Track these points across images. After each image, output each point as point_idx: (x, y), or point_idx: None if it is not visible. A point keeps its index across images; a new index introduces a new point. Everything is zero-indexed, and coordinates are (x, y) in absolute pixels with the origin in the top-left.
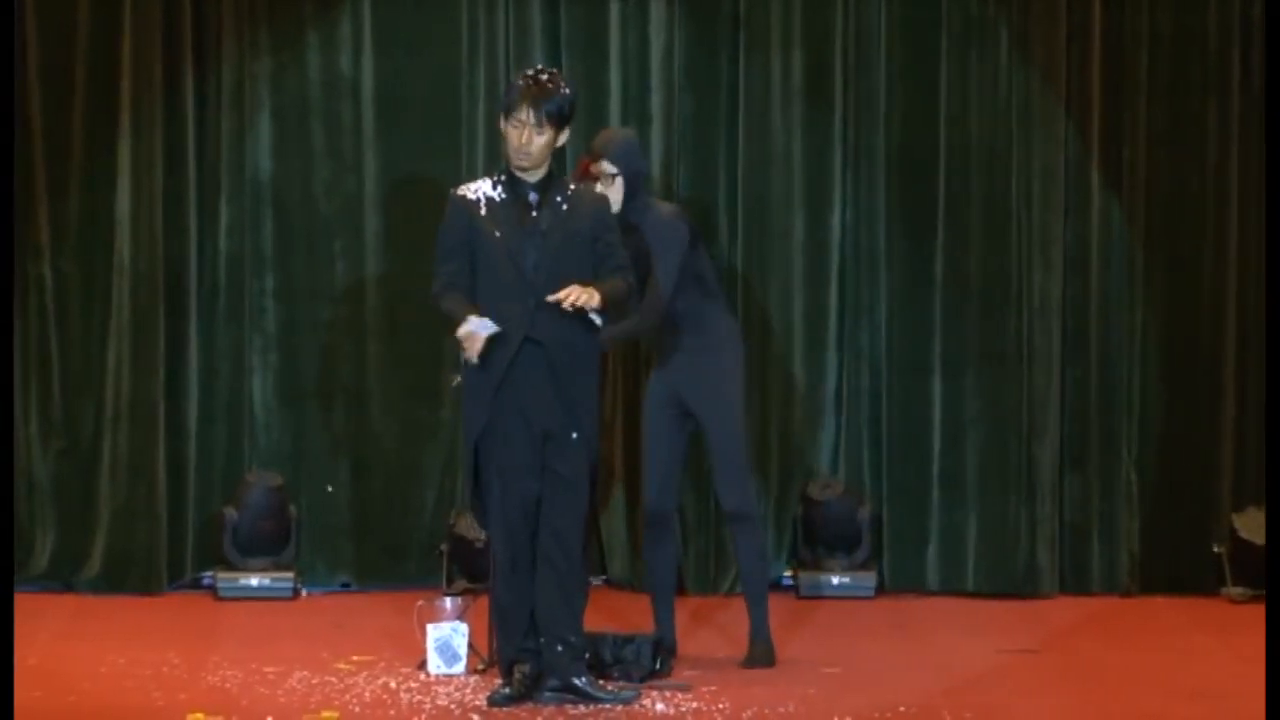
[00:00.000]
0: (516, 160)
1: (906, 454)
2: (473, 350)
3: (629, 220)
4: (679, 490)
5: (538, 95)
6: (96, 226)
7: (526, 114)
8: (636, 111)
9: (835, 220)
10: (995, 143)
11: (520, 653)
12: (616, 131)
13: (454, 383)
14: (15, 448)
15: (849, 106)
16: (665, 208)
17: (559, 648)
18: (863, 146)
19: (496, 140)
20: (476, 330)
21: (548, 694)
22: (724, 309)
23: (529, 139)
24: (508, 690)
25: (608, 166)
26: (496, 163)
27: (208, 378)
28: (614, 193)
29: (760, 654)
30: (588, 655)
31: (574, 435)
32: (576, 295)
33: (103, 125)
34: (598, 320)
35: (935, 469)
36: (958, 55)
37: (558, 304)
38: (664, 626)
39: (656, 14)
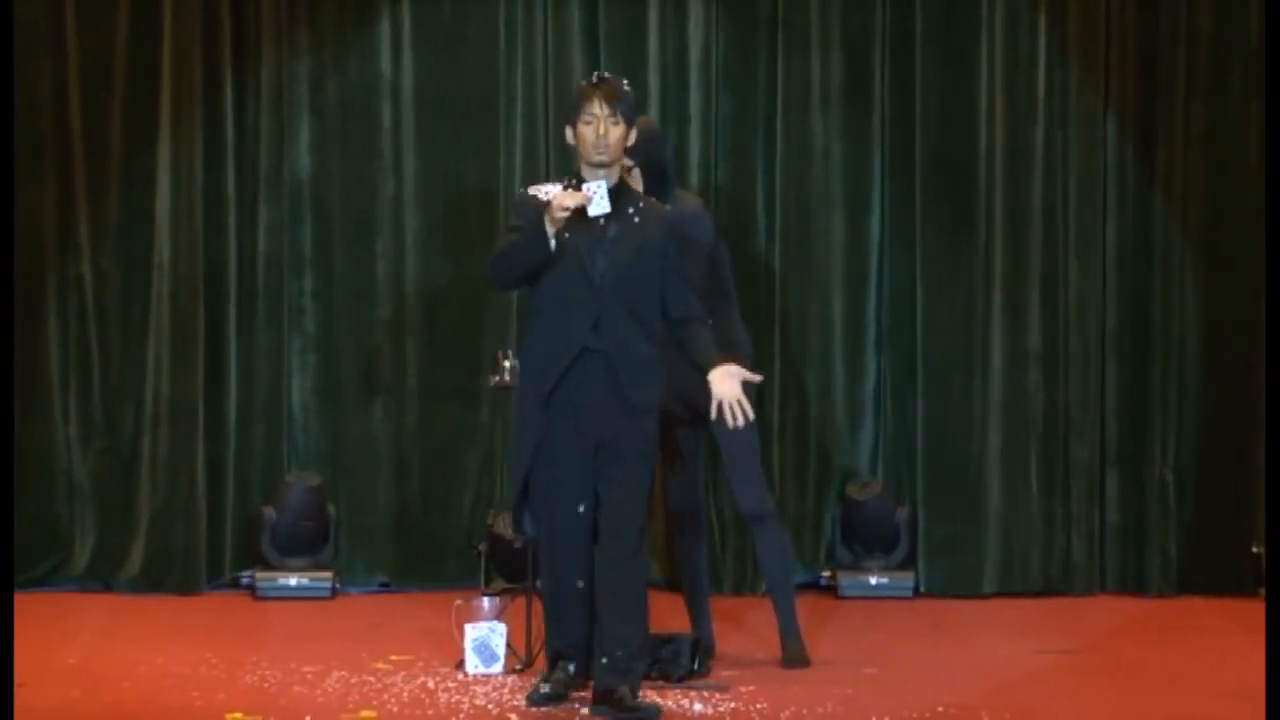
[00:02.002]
0: (596, 155)
1: (945, 454)
2: (568, 200)
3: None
4: (703, 489)
5: (606, 91)
6: (136, 227)
7: (599, 107)
8: (675, 112)
9: (874, 221)
10: (1034, 143)
11: (566, 646)
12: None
13: (492, 383)
14: (54, 448)
15: (888, 107)
16: (691, 200)
17: (604, 660)
18: (901, 147)
19: (535, 140)
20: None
21: (589, 708)
22: (736, 309)
23: (605, 130)
24: (546, 689)
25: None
26: (534, 162)
27: (246, 378)
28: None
29: (794, 652)
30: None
31: (633, 441)
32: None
33: (142, 126)
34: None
35: (974, 469)
36: (996, 56)
37: (621, 312)
38: (701, 626)
39: (695, 14)
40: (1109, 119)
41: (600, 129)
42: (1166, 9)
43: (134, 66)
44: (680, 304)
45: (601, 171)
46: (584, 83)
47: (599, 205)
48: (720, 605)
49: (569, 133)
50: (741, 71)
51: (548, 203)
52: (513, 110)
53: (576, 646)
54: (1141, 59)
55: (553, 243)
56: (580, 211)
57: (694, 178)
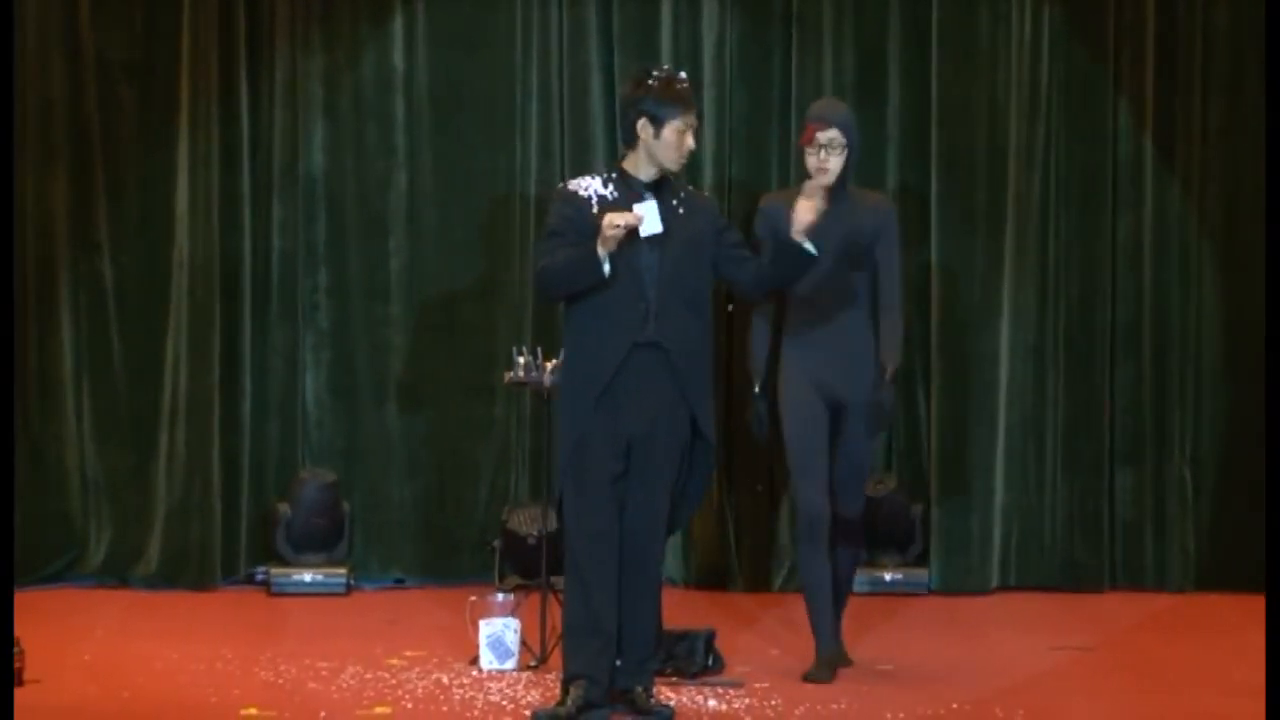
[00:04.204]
0: (678, 164)
1: (959, 450)
2: (620, 220)
3: (830, 195)
4: (828, 495)
5: (692, 98)
6: (152, 224)
7: (692, 117)
8: None
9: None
10: (1046, 138)
11: (581, 674)
12: (842, 103)
13: (507, 379)
14: (69, 444)
15: (901, 102)
16: (872, 193)
17: (618, 661)
18: (914, 142)
19: (549, 136)
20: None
21: (602, 710)
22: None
23: (692, 142)
24: (560, 711)
25: (838, 135)
26: (549, 158)
27: (261, 374)
28: (835, 161)
29: (834, 656)
30: (650, 665)
31: (667, 437)
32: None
33: (159, 123)
34: (810, 248)
35: (987, 464)
36: (1009, 51)
37: (675, 304)
38: (823, 637)
39: (709, 11)
40: (1122, 114)
41: (690, 140)
42: (1183, 3)
43: (151, 64)
44: (748, 267)
45: (654, 171)
46: (677, 83)
47: (650, 225)
48: (733, 602)
49: (646, 127)
50: (755, 67)
51: (598, 216)
52: (527, 106)
53: (593, 678)
54: (1158, 54)
55: (606, 267)
56: (632, 232)
57: (708, 173)
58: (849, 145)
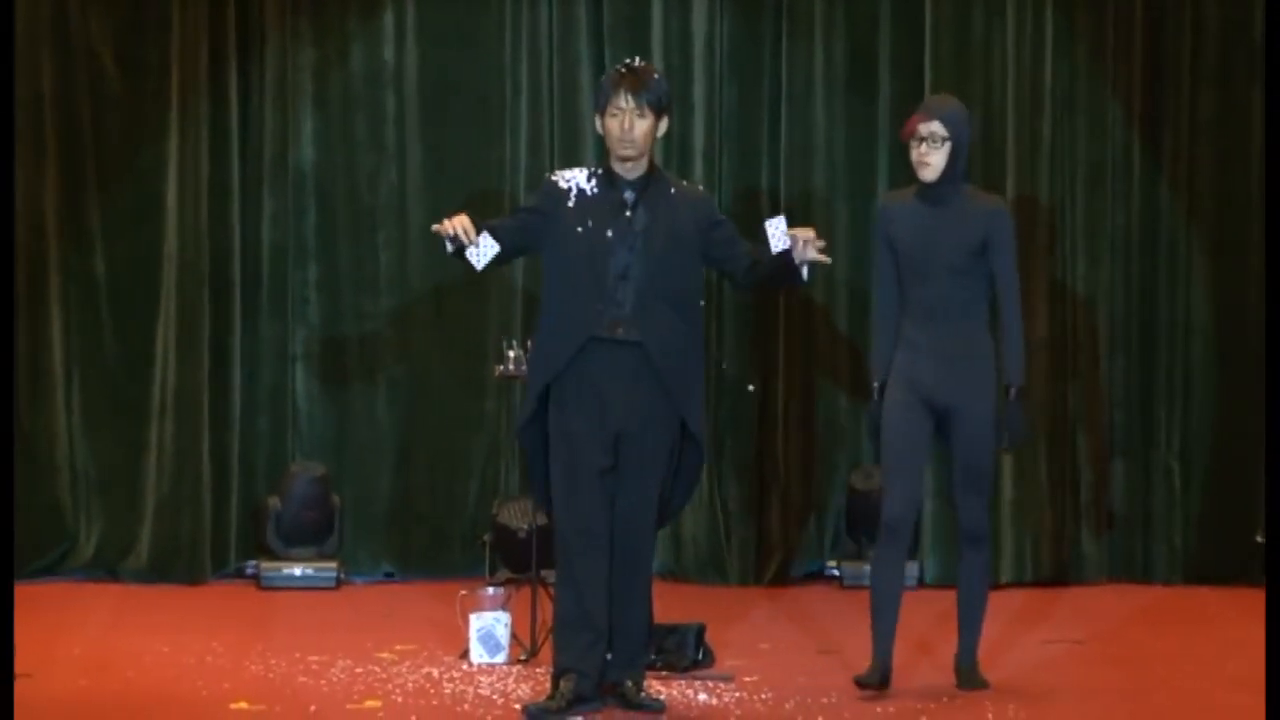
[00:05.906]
0: (621, 150)
1: None
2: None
3: (939, 194)
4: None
5: (633, 82)
6: (142, 217)
7: (625, 100)
8: (679, 101)
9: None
10: (1040, 132)
11: (571, 668)
12: (953, 99)
13: (496, 372)
14: (59, 437)
15: (892, 96)
16: (987, 196)
17: (609, 654)
18: None
19: (539, 130)
20: (461, 233)
21: (592, 704)
22: (987, 308)
23: (630, 125)
24: (550, 705)
25: (939, 128)
26: (539, 154)
27: (251, 368)
28: (937, 157)
29: (968, 678)
30: (639, 661)
31: (657, 434)
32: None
33: (150, 117)
34: (804, 274)
35: None
36: (1004, 44)
37: (657, 303)
38: (883, 648)
39: (699, 4)
40: (1114, 107)
41: (625, 122)
42: None
43: (140, 58)
44: (741, 260)
45: (631, 167)
46: (613, 72)
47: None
48: (724, 596)
49: (599, 123)
50: (746, 60)
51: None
52: (517, 100)
53: (583, 672)
54: (1146, 48)
55: (449, 246)
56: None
57: (698, 166)
58: (953, 141)
